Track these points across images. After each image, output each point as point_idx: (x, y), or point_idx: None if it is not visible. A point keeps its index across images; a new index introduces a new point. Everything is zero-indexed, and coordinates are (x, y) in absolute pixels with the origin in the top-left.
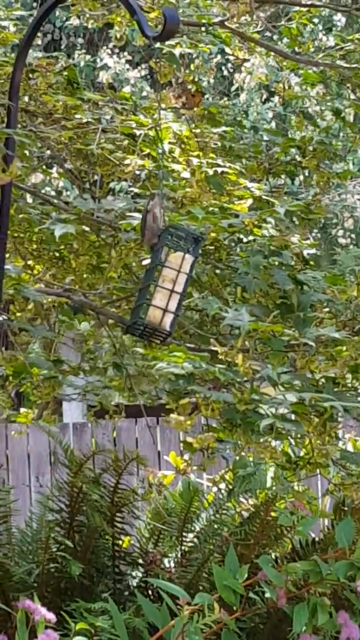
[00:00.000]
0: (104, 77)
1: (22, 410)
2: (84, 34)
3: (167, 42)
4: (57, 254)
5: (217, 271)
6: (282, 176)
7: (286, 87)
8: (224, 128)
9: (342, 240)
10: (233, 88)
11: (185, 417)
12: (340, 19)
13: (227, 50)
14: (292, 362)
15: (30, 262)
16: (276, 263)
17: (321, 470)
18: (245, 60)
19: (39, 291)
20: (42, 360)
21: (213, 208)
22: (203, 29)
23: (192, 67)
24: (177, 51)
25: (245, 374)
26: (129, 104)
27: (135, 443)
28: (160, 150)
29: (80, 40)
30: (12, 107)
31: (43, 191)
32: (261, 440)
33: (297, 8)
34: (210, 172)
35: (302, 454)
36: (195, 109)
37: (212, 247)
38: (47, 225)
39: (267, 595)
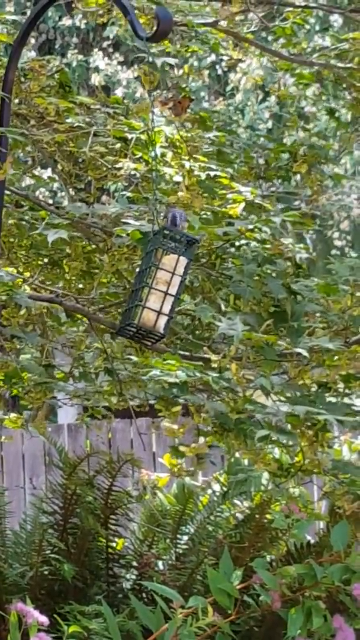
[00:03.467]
0: (96, 79)
1: (12, 415)
2: (77, 33)
3: (153, 50)
4: (47, 260)
5: (210, 276)
6: (274, 181)
7: (281, 87)
8: (215, 133)
9: (337, 243)
10: (228, 88)
11: (177, 425)
12: (336, 19)
13: (220, 50)
14: (285, 370)
15: (20, 269)
16: (269, 271)
17: (315, 475)
18: (239, 60)
19: (31, 297)
20: (33, 365)
21: (206, 212)
22: (193, 32)
23: (179, 72)
24: (159, 61)
25: (239, 383)
26: (121, 107)
27: (130, 444)
28: (152, 154)
29: (74, 39)
30: (5, 105)
31: (37, 192)
32: (254, 445)
33: (291, 8)
34: (203, 175)
35: (295, 460)
36: (183, 115)
37: (205, 252)
38: (39, 231)
39: (262, 598)
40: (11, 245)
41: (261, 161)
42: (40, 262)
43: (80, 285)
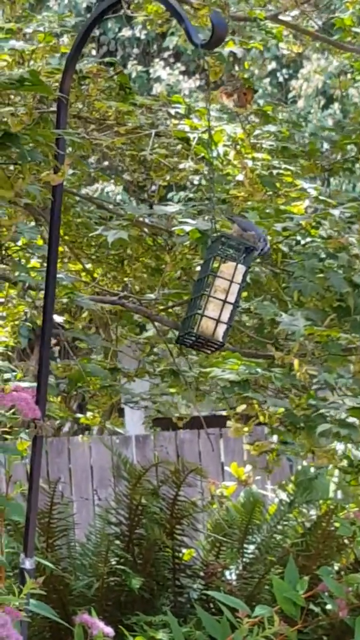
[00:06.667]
0: (158, 89)
1: (89, 414)
2: (137, 44)
3: None
4: (116, 257)
5: (276, 275)
6: (341, 174)
7: (342, 90)
8: (279, 128)
9: None
10: (290, 95)
11: (241, 424)
12: None
13: (282, 46)
14: (350, 370)
15: (89, 266)
16: (334, 266)
17: None
18: (299, 54)
19: (92, 299)
20: (98, 369)
21: (269, 210)
22: (255, 24)
23: (245, 64)
24: (225, 51)
25: (302, 379)
26: (183, 107)
27: (198, 455)
28: (214, 154)
29: (135, 50)
30: (62, 108)
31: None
32: (325, 443)
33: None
34: (266, 173)
35: None
36: (247, 106)
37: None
38: (99, 232)
39: (329, 606)
40: (80, 245)
41: (326, 146)
42: (109, 259)
43: (145, 281)
